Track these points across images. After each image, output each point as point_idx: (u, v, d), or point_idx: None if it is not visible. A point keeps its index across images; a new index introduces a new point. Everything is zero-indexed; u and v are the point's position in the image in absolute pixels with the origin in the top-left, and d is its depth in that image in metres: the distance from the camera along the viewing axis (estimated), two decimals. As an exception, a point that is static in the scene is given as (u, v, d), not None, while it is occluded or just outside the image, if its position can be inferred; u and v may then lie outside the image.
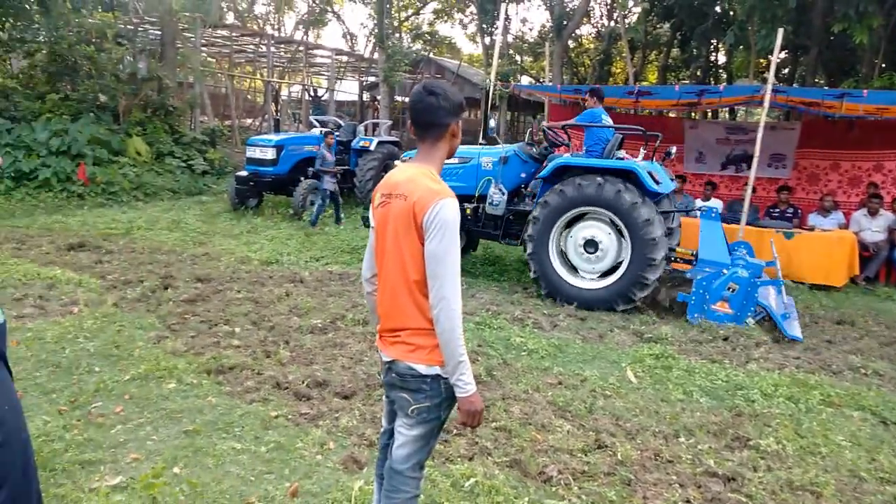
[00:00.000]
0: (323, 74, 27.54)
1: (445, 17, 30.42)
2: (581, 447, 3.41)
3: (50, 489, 2.79)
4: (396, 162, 10.01)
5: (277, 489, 2.91)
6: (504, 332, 5.30)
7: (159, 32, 15.15)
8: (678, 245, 6.90)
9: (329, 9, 29.67)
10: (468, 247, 8.20)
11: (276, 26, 32.26)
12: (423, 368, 2.00)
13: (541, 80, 25.52)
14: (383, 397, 2.32)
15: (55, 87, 13.18)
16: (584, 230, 6.37)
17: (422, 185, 1.93)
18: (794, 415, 4.01)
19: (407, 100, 26.52)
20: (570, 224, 6.52)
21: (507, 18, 23.17)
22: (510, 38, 25.53)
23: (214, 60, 24.07)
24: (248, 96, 30.25)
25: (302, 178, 10.81)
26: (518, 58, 26.83)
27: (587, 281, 6.42)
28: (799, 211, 9.26)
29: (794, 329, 5.73)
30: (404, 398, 2.06)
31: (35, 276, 6.07)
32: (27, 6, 13.50)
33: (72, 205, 10.38)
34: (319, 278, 6.87)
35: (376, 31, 19.66)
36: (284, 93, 28.78)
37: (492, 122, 8.58)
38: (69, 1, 13.18)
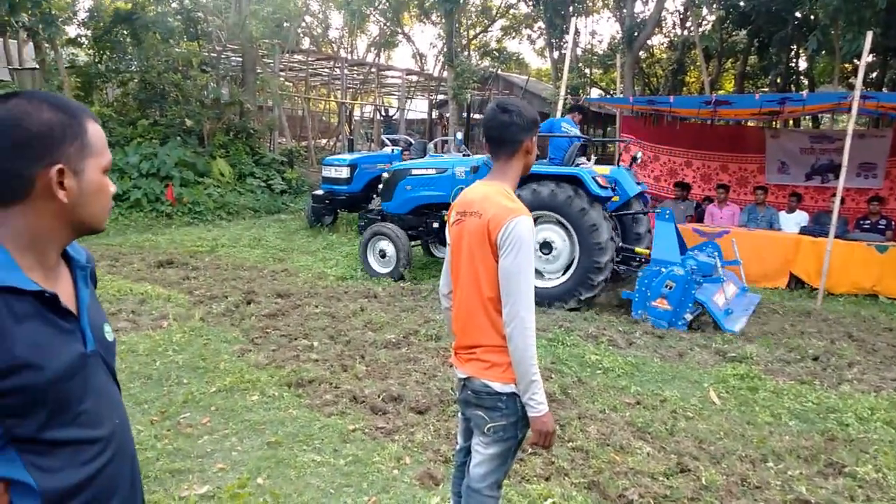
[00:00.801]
0: (394, 94, 28.16)
1: (513, 34, 30.51)
2: (662, 470, 3.30)
3: (144, 496, 2.94)
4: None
5: (356, 503, 2.96)
6: (578, 350, 5.21)
7: (240, 59, 15.93)
8: (649, 247, 6.90)
9: (399, 30, 30.36)
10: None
11: (349, 49, 33.28)
12: (498, 386, 2.00)
13: (611, 93, 25.16)
14: (458, 414, 2.32)
15: (145, 113, 14.07)
16: (541, 233, 6.71)
17: (496, 203, 1.95)
18: (894, 441, 3.74)
19: (476, 116, 26.70)
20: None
21: (577, 32, 23.03)
22: (579, 51, 25.34)
23: (291, 84, 25.04)
24: (323, 118, 31.25)
25: (375, 196, 11.05)
26: (587, 70, 26.57)
27: (542, 280, 6.72)
28: (892, 223, 8.68)
29: (732, 323, 5.94)
30: (480, 416, 2.06)
31: (128, 291, 6.45)
32: (122, 39, 14.51)
33: (161, 224, 10.99)
34: (392, 294, 6.98)
35: (445, 50, 19.96)
36: (357, 113, 29.59)
37: (458, 135, 9.21)
38: (158, 32, 14.05)
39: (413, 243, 8.03)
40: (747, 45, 19.97)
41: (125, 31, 14.25)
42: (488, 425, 2.03)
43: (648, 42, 23.20)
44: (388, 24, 29.81)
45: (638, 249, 6.98)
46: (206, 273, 7.55)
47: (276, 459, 3.33)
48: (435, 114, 29.30)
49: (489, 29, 30.28)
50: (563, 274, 6.65)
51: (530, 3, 21.71)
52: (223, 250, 9.10)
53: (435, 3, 19.68)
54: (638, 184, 7.32)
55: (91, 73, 14.17)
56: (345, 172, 11.01)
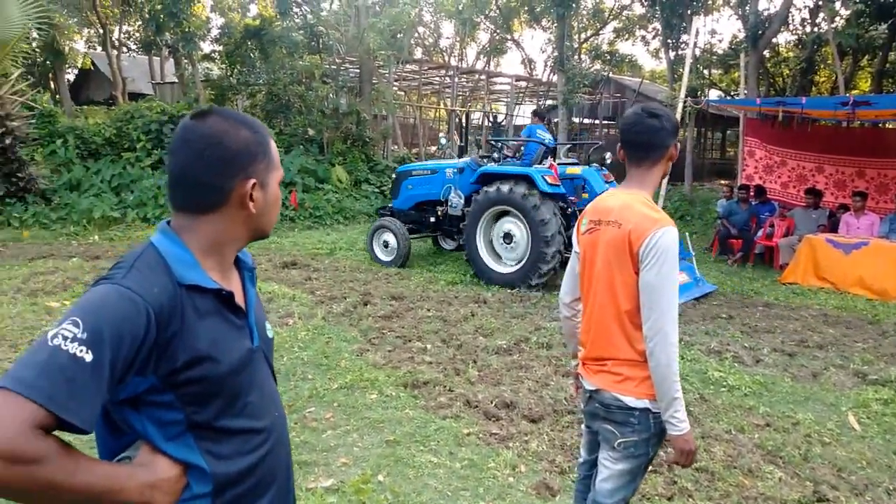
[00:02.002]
0: (502, 101, 28.22)
1: (626, 35, 29.68)
2: (797, 498, 3.09)
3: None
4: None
5: (473, 506, 3.00)
6: (700, 365, 4.98)
7: (358, 70, 16.60)
8: None
9: (509, 37, 30.42)
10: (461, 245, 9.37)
11: (459, 58, 33.76)
12: (631, 401, 1.95)
13: (732, 94, 23.81)
14: (583, 426, 2.29)
15: (271, 123, 15.00)
16: (504, 225, 7.61)
17: (638, 213, 1.89)
18: None
19: (583, 121, 26.17)
20: (497, 219, 7.76)
21: (696, 32, 21.99)
22: (697, 51, 24.20)
23: (404, 93, 25.76)
24: (432, 125, 31.92)
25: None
26: (706, 71, 25.32)
27: (506, 266, 7.67)
28: None
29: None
30: (609, 430, 2.02)
31: (257, 290, 6.88)
32: (251, 54, 15.57)
33: (284, 227, 11.66)
34: (502, 300, 7.00)
35: (556, 54, 19.76)
36: (465, 119, 29.91)
37: (443, 140, 10.26)
38: (284, 47, 14.94)
39: (415, 236, 9.05)
40: (887, 40, 18.26)
41: (254, 47, 15.30)
42: (619, 440, 1.98)
43: (774, 40, 21.76)
44: (497, 31, 29.97)
45: None
46: (326, 274, 7.92)
47: (395, 458, 3.43)
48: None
49: (601, 31, 29.64)
50: (519, 263, 7.53)
51: (646, 3, 20.99)
52: (341, 253, 9.51)
53: (546, 7, 19.51)
54: (607, 182, 7.87)
55: (223, 86, 15.30)
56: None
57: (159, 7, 14.69)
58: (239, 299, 1.28)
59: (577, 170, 7.84)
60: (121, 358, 1.02)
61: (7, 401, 0.93)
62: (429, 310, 6.40)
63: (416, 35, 28.90)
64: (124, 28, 24.50)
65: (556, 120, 21.51)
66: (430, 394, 4.32)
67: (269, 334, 1.41)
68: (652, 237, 1.83)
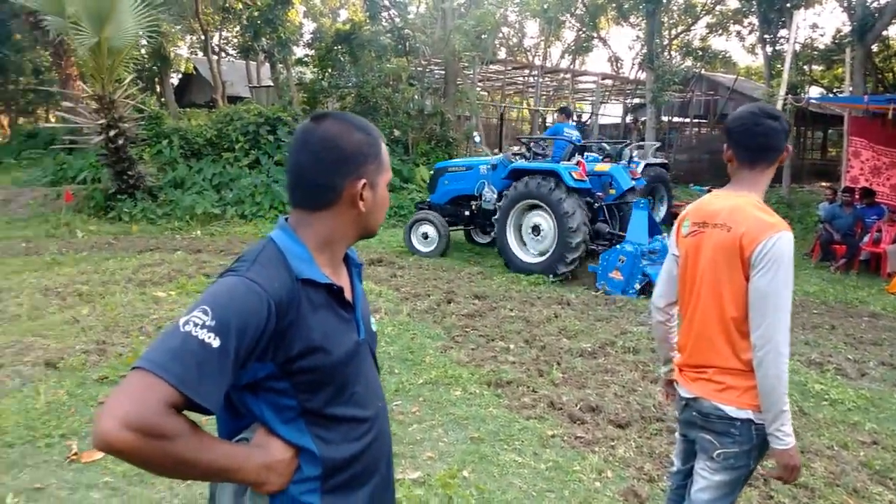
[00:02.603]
0: (587, 99, 27.73)
1: (720, 31, 28.44)
2: (909, 523, 2.89)
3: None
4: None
5: (559, 508, 2.99)
6: (799, 377, 4.73)
7: (443, 72, 16.78)
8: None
9: (595, 35, 29.85)
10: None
11: (542, 57, 33.44)
12: (732, 410, 1.89)
13: (835, 91, 22.37)
14: (677, 435, 2.24)
15: (359, 124, 15.38)
16: (533, 218, 8.06)
17: (751, 216, 1.82)
18: None
19: (672, 120, 25.29)
20: (526, 213, 8.17)
21: (796, 26, 20.80)
22: (797, 47, 22.89)
23: (487, 94, 25.80)
24: (514, 125, 31.79)
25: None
26: (806, 67, 23.89)
27: (530, 256, 8.12)
28: None
29: None
30: (708, 440, 1.96)
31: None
32: (341, 58, 16.05)
33: (369, 225, 11.94)
34: (586, 302, 6.91)
35: (644, 51, 19.22)
36: (550, 119, 29.62)
37: (477, 138, 10.62)
38: (373, 50, 15.31)
39: (452, 229, 9.45)
40: None
41: (344, 50, 15.76)
42: (718, 451, 1.93)
43: (884, 33, 20.27)
44: (583, 29, 29.46)
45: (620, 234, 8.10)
46: (410, 272, 8.07)
47: (480, 455, 3.47)
48: (629, 118, 28.33)
49: (692, 27, 28.55)
50: (544, 254, 7.96)
51: (742, -3, 20.09)
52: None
53: (635, 4, 19.00)
54: (634, 180, 8.59)
55: (315, 89, 15.84)
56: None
57: (256, 14, 15.41)
58: (348, 294, 1.35)
59: (605, 167, 8.40)
60: (244, 345, 1.11)
61: (145, 381, 1.02)
62: (511, 310, 6.40)
63: (500, 35, 28.86)
64: (223, 34, 25.85)
65: (643, 119, 20.92)
66: (514, 393, 4.33)
67: (374, 328, 1.48)
68: (767, 242, 1.76)
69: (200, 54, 25.86)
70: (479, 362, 4.88)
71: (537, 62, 28.17)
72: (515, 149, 9.47)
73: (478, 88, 18.54)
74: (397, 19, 16.79)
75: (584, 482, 3.23)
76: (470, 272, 8.23)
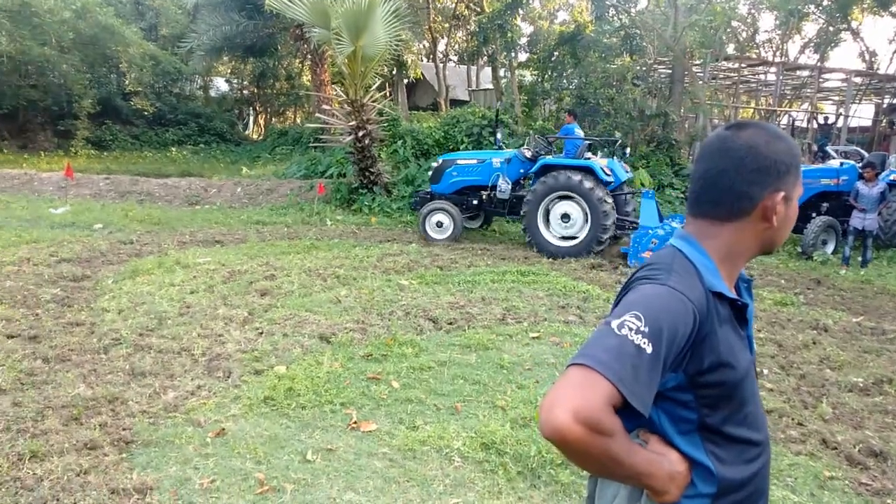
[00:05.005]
0: (830, 99, 24.59)
1: None
2: None
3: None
4: None
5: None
6: None
7: (668, 71, 15.98)
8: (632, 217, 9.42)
9: (844, 27, 26.30)
10: (484, 224, 11.00)
11: (777, 52, 30.34)
12: None
13: None
14: None
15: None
16: (562, 208, 9.05)
17: None
18: None
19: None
20: (553, 203, 9.14)
21: None
22: None
23: (716, 93, 24.09)
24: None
25: (814, 215, 9.90)
26: None
27: (557, 241, 9.11)
28: None
29: None
30: None
31: (572, 289, 7.08)
32: (563, 59, 16.06)
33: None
34: (847, 329, 6.11)
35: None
36: (785, 122, 26.78)
37: (499, 135, 10.85)
38: (597, 51, 15.08)
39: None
40: None
41: (566, 52, 15.74)
42: None
43: None
44: (830, 21, 26.13)
45: (630, 220, 9.28)
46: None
47: (747, 485, 3.23)
48: (884, 121, 24.55)
49: (980, 13, 23.90)
50: (574, 238, 9.00)
51: None
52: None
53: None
54: (627, 172, 9.60)
55: (536, 92, 16.04)
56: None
57: (485, 21, 16.00)
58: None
59: (604, 161, 9.12)
60: (672, 353, 1.12)
61: (589, 377, 1.06)
62: (759, 330, 5.88)
63: (728, 30, 26.71)
64: (449, 41, 27.30)
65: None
66: (777, 424, 3.97)
67: (755, 347, 1.42)
68: None
69: (425, 60, 27.58)
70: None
71: (769, 57, 25.61)
72: (525, 146, 10.23)
73: (709, 88, 17.37)
74: (624, 18, 16.34)
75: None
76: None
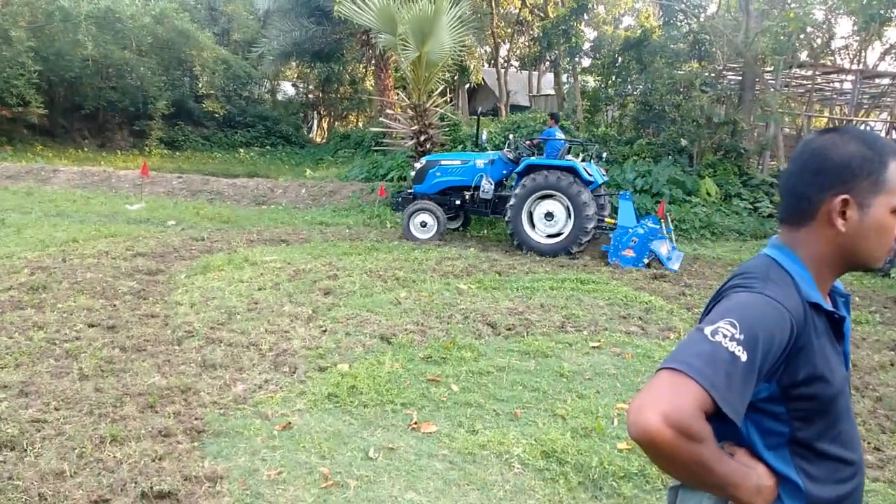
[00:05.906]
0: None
1: None
2: None
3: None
4: None
5: None
6: None
7: (738, 78, 15.50)
8: (608, 217, 9.99)
9: (935, 30, 24.86)
10: (463, 225, 11.23)
11: (853, 59, 28.96)
12: None
13: None
14: None
15: (641, 132, 15.00)
16: (545, 207, 9.35)
17: None
18: None
19: None
20: (535, 203, 9.42)
21: None
22: None
23: (789, 101, 23.22)
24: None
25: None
26: None
27: (541, 238, 9.40)
28: None
29: (674, 264, 8.91)
30: None
31: (633, 299, 6.95)
32: (627, 65, 15.78)
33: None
34: (927, 352, 5.78)
35: None
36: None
37: (483, 136, 10.80)
38: (664, 57, 14.76)
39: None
40: None
41: (631, 57, 15.47)
42: None
43: None
44: (918, 24, 24.73)
45: (608, 220, 9.69)
46: (700, 292, 7.59)
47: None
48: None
49: None
50: (556, 236, 9.32)
51: None
52: (710, 269, 9.05)
53: None
54: (604, 175, 10.15)
55: (599, 97, 15.83)
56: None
57: (549, 26, 15.91)
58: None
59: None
60: (767, 362, 1.10)
61: (679, 381, 1.05)
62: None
63: (802, 36, 25.66)
64: (511, 46, 27.26)
65: None
66: (852, 447, 3.79)
67: (849, 364, 1.37)
68: None
69: (486, 66, 27.64)
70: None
71: (845, 66, 24.45)
72: (506, 148, 10.47)
73: (782, 95, 16.75)
74: (693, 24, 15.95)
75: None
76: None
